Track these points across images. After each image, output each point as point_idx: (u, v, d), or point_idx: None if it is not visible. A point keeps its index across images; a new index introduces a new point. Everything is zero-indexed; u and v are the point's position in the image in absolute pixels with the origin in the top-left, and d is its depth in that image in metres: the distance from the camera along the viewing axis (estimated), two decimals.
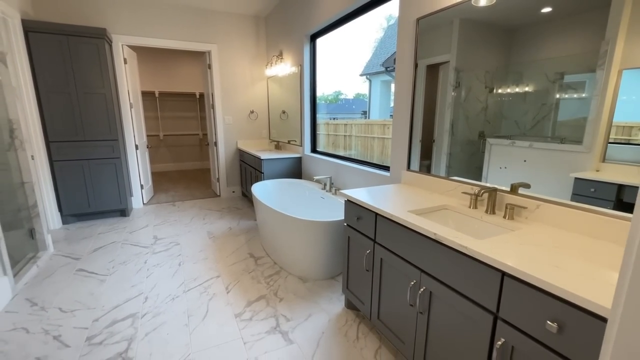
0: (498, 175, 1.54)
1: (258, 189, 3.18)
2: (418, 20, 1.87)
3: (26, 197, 2.58)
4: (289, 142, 4.05)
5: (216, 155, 4.60)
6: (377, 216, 1.56)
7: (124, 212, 3.79)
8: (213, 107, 4.43)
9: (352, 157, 2.99)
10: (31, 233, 2.62)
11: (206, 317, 1.90)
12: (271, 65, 4.10)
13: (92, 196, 3.55)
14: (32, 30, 3.03)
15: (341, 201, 2.63)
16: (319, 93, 3.51)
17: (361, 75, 10.30)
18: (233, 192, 4.71)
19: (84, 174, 3.48)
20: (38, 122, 3.16)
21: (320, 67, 3.44)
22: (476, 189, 1.50)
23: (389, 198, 1.72)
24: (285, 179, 3.55)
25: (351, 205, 1.77)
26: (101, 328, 1.81)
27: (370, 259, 1.65)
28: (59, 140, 3.31)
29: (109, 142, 3.54)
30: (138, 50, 5.80)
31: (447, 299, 1.18)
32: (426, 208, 1.55)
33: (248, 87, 4.53)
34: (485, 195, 1.51)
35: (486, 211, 1.45)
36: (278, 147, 4.36)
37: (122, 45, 3.77)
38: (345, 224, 1.86)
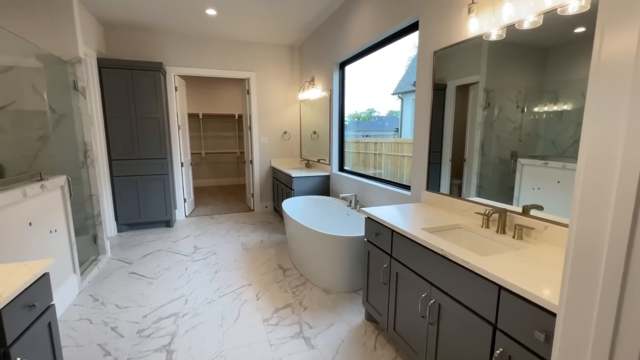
0: (531, 196, 1.52)
1: (288, 205, 3.41)
2: (435, 52, 2.03)
3: (92, 208, 3.01)
4: (318, 160, 4.28)
5: (251, 173, 4.95)
6: (393, 232, 1.69)
7: (168, 223, 4.19)
8: (250, 128, 4.82)
9: (382, 175, 3.14)
10: (94, 239, 3.04)
11: (238, 320, 2.10)
12: (304, 90, 4.41)
13: (142, 208, 4.00)
14: (104, 66, 3.59)
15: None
16: (351, 111, 3.72)
17: (393, 94, 10.46)
18: (266, 207, 5.00)
19: (137, 188, 3.94)
20: (104, 143, 3.68)
21: (352, 86, 3.67)
22: (487, 210, 1.59)
23: (406, 216, 1.84)
24: (314, 195, 3.75)
25: (371, 222, 1.92)
26: (149, 323, 2.07)
27: (387, 272, 1.77)
28: (119, 158, 3.82)
29: (159, 160, 4.00)
30: (187, 78, 6.46)
31: (454, 311, 1.28)
32: (440, 226, 1.66)
33: (282, 109, 4.89)
34: (496, 215, 1.59)
35: (497, 231, 1.53)
36: (308, 165, 4.61)
37: (174, 75, 4.30)
38: (366, 240, 2.00)
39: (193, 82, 6.76)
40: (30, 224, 1.95)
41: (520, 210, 1.54)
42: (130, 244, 3.56)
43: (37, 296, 1.29)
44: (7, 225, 1.74)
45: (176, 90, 4.36)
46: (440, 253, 1.32)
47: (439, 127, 2.11)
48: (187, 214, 4.70)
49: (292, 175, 3.78)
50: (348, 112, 3.76)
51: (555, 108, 1.42)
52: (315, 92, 4.13)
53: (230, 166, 7.51)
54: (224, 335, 1.95)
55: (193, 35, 4.29)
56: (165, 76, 4.19)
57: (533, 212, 1.49)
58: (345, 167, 3.82)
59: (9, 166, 2.50)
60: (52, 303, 1.41)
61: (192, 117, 6.70)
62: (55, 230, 2.25)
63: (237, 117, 7.16)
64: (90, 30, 3.47)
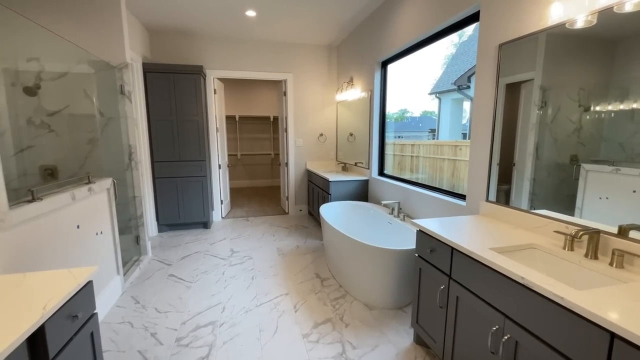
0: (597, 206, 1.35)
1: (326, 211, 3.28)
2: (501, 45, 1.79)
3: (135, 209, 3.07)
4: (355, 164, 4.11)
5: (286, 175, 4.88)
6: (453, 251, 1.49)
7: (206, 225, 4.23)
8: (286, 130, 4.75)
9: (420, 179, 2.91)
10: (137, 239, 3.10)
11: (276, 334, 2.00)
12: (341, 91, 4.27)
13: (182, 209, 4.06)
14: (149, 70, 3.69)
15: (410, 228, 2.56)
16: (387, 112, 3.52)
17: (430, 93, 10.01)
18: (300, 210, 4.91)
19: (177, 189, 4.01)
20: (147, 145, 3.78)
21: (390, 86, 3.47)
22: (572, 229, 1.34)
23: (466, 231, 1.63)
24: (352, 201, 3.59)
25: (424, 236, 1.73)
26: (187, 331, 2.03)
27: (444, 295, 1.57)
28: (161, 160, 3.91)
29: (198, 162, 4.04)
30: (225, 81, 6.58)
31: (540, 354, 1.06)
32: (510, 246, 1.44)
33: (318, 111, 4.77)
34: (585, 237, 1.34)
35: (586, 255, 1.28)
36: (345, 168, 4.45)
37: (213, 78, 4.34)
38: (417, 255, 1.80)
39: (231, 85, 6.87)
40: (78, 226, 1.98)
41: (615, 230, 1.28)
42: (170, 244, 3.62)
43: (80, 306, 1.26)
44: (57, 228, 1.77)
45: (215, 92, 4.40)
46: (521, 282, 1.11)
47: (494, 128, 1.90)
48: (223, 216, 4.73)
49: (330, 180, 3.65)
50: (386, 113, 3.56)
51: (622, 107, 1.25)
52: (354, 93, 3.96)
53: (265, 168, 7.54)
54: (262, 351, 1.84)
55: (232, 38, 4.31)
56: (205, 79, 4.24)
57: (633, 233, 1.23)
58: (385, 171, 3.62)
59: (62, 168, 2.60)
60: (95, 312, 1.38)
61: (229, 119, 6.81)
62: (101, 233, 2.29)
63: (272, 119, 7.18)
64: (136, 36, 3.58)
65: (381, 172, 3.63)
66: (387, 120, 3.55)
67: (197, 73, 3.85)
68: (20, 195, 1.62)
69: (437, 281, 1.63)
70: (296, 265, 3.01)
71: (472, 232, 1.62)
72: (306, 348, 1.86)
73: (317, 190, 4.25)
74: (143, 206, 3.15)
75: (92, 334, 1.35)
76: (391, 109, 3.59)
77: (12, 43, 2.40)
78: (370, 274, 2.27)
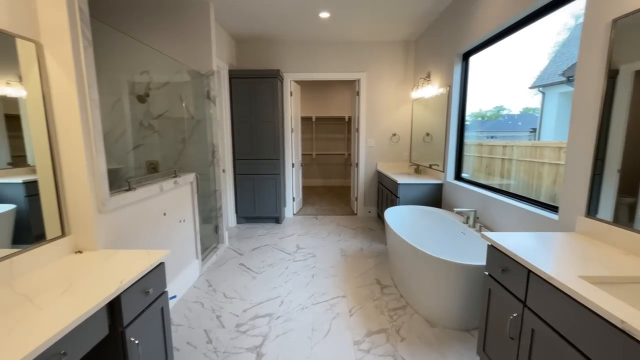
0: None
1: (391, 215, 3.12)
2: (615, 21, 1.42)
3: (216, 201, 3.43)
4: (430, 166, 3.81)
5: (356, 176, 4.83)
6: (530, 274, 1.24)
7: (277, 220, 4.47)
8: (358, 130, 4.70)
9: (512, 187, 2.53)
10: (216, 229, 3.46)
11: (327, 335, 1.98)
12: (417, 88, 4.01)
13: (257, 203, 4.38)
14: (234, 77, 4.08)
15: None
16: (475, 110, 3.16)
17: (532, 87, 8.67)
18: (369, 212, 4.80)
19: (253, 185, 4.34)
20: (230, 145, 4.18)
21: (476, 81, 3.10)
22: None
23: (552, 252, 1.34)
24: (422, 206, 3.33)
25: (495, 252, 1.48)
26: (247, 319, 2.16)
27: (516, 325, 1.32)
28: (241, 158, 4.28)
29: (273, 160, 4.29)
30: (302, 83, 6.87)
31: None
32: (613, 276, 1.12)
33: (392, 110, 4.58)
34: None
35: None
36: (418, 171, 4.17)
37: (290, 81, 4.56)
38: (487, 274, 1.56)
39: (308, 87, 7.13)
40: (164, 214, 2.29)
41: None
42: (244, 235, 3.94)
43: (152, 283, 1.44)
44: (147, 214, 2.08)
45: (291, 95, 4.61)
46: (619, 326, 0.85)
47: (602, 127, 1.49)
48: (294, 212, 4.94)
49: (398, 182, 3.46)
50: (470, 110, 3.19)
51: None
52: (431, 90, 3.68)
53: (339, 168, 7.62)
54: (311, 350, 1.85)
55: (307, 41, 4.45)
56: (282, 82, 4.48)
57: None
58: (464, 175, 3.26)
59: (162, 163, 3.05)
60: (165, 290, 1.57)
61: (305, 120, 7.08)
62: (184, 220, 2.61)
63: (347, 120, 7.20)
64: (224, 46, 3.99)
65: (458, 176, 3.29)
66: (479, 119, 3.17)
67: (274, 77, 4.09)
68: (124, 185, 1.95)
69: (508, 307, 1.38)
70: (357, 268, 2.94)
71: (559, 254, 1.32)
72: (355, 356, 1.79)
73: (385, 192, 4.09)
74: (223, 199, 3.49)
75: (162, 309, 1.54)
76: (483, 106, 3.20)
77: (132, 61, 2.92)
78: (435, 288, 2.07)
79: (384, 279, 2.74)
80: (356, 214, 4.86)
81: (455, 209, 2.67)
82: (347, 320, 2.14)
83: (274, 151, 4.27)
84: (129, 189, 1.90)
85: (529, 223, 2.02)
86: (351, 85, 5.31)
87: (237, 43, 4.46)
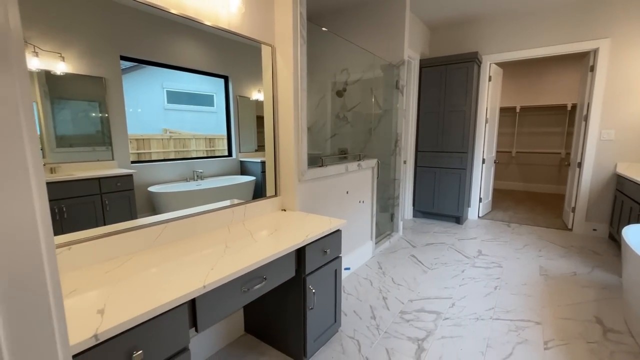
0: None
1: (636, 236, 2.15)
2: None
3: (394, 190, 3.49)
4: None
5: (577, 179, 3.65)
6: None
7: (458, 220, 4.06)
8: (586, 119, 3.52)
9: None
10: (391, 217, 3.53)
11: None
12: None
13: (436, 199, 4.13)
14: (424, 66, 3.97)
15: None
16: None
17: None
18: (594, 230, 3.53)
19: (434, 179, 4.11)
20: (414, 136, 4.13)
21: None
22: None
23: None
24: None
25: None
26: (412, 309, 2.09)
27: None
28: (424, 150, 4.14)
29: (459, 154, 3.91)
30: (505, 66, 5.83)
31: None
32: None
33: None
34: None
35: None
36: None
37: (489, 64, 3.96)
38: None
39: (511, 70, 5.98)
40: (347, 192, 2.55)
41: None
42: (419, 230, 3.81)
43: (329, 245, 1.63)
44: (333, 189, 2.37)
45: (490, 80, 4.01)
46: None
47: None
48: (480, 215, 4.32)
49: None
50: None
51: None
52: None
53: (549, 170, 6.02)
54: None
55: (515, 11, 3.69)
56: (479, 66, 3.96)
57: None
58: None
59: (350, 150, 3.41)
60: (339, 255, 1.75)
61: (505, 111, 5.99)
62: (363, 202, 2.81)
63: (569, 108, 5.54)
64: (418, 36, 3.94)
65: None
66: None
67: (470, 60, 3.67)
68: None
69: None
70: (565, 296, 2.24)
71: None
72: None
73: (629, 205, 2.86)
74: (401, 189, 3.52)
75: (335, 271, 1.73)
76: None
77: (335, 60, 3.40)
78: None
79: (612, 320, 1.94)
80: (570, 229, 3.70)
81: None
82: (539, 352, 1.67)
83: (461, 144, 3.87)
84: (322, 165, 2.22)
85: None
86: (578, 62, 4.01)
87: (431, 31, 4.29)
